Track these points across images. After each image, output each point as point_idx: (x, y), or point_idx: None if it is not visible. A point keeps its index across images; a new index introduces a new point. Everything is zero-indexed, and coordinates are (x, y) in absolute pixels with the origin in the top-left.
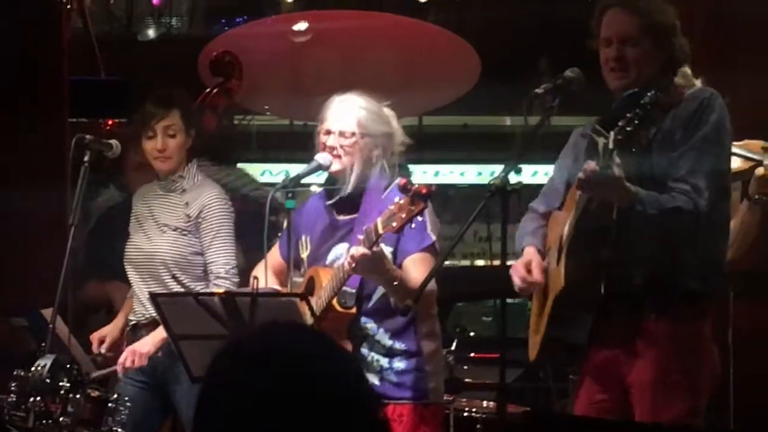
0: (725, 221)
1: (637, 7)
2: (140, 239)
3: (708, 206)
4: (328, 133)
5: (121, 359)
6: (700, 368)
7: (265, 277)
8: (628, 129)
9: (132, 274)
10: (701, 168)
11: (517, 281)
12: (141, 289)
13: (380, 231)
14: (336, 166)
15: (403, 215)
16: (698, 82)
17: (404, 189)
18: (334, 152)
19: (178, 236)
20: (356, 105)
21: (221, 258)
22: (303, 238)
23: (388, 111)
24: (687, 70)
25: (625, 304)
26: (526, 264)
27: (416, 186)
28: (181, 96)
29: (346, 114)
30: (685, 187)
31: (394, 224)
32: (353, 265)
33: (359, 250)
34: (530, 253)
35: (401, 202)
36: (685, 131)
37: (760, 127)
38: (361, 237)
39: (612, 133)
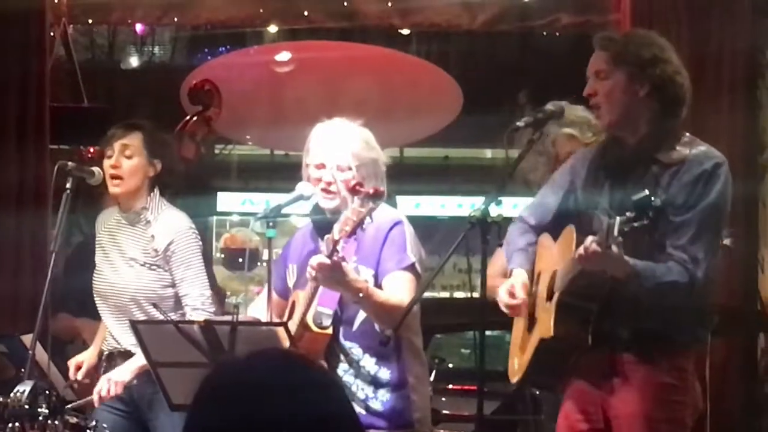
0: (715, 278)
1: (609, 43)
2: (108, 272)
3: (704, 276)
4: (322, 166)
5: (96, 388)
6: (685, 405)
7: (268, 312)
8: (636, 225)
9: (101, 306)
10: (702, 238)
11: (502, 303)
12: (110, 322)
13: (336, 237)
14: (333, 203)
15: (355, 218)
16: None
17: (355, 192)
18: (332, 188)
19: (146, 271)
20: (347, 135)
21: (195, 290)
22: (290, 267)
23: (367, 132)
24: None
25: (611, 347)
26: (510, 289)
27: (366, 188)
28: (146, 124)
29: (340, 146)
30: (684, 257)
31: (347, 228)
32: (314, 274)
33: (317, 258)
34: (517, 275)
35: (354, 206)
36: (689, 197)
37: None
38: (322, 247)
39: (618, 220)
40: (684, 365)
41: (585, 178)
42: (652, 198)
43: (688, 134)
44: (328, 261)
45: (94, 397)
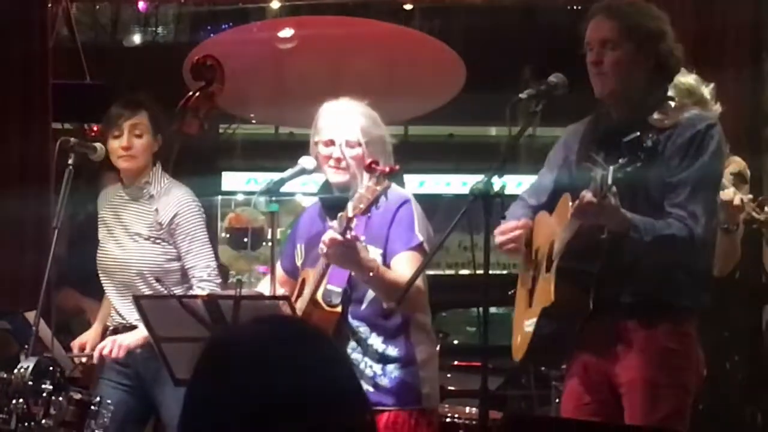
0: (714, 240)
1: (618, 13)
2: (112, 248)
3: (703, 232)
4: (332, 143)
5: (100, 345)
6: (688, 370)
7: (272, 289)
8: (629, 170)
9: (106, 283)
10: (699, 195)
11: (498, 242)
12: (115, 298)
13: (350, 215)
14: (342, 178)
15: (369, 196)
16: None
17: (370, 170)
18: (342, 164)
19: (151, 245)
20: (355, 112)
21: (201, 261)
22: (298, 246)
23: (373, 112)
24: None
25: (613, 315)
26: (504, 227)
27: (381, 166)
28: (149, 99)
29: (349, 122)
30: (682, 213)
31: (362, 206)
32: (325, 251)
33: (330, 234)
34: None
35: (369, 184)
36: (684, 158)
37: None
38: (334, 225)
39: (611, 169)
40: (686, 330)
41: (578, 152)
42: (643, 139)
43: (677, 98)
44: (340, 238)
45: (95, 353)
